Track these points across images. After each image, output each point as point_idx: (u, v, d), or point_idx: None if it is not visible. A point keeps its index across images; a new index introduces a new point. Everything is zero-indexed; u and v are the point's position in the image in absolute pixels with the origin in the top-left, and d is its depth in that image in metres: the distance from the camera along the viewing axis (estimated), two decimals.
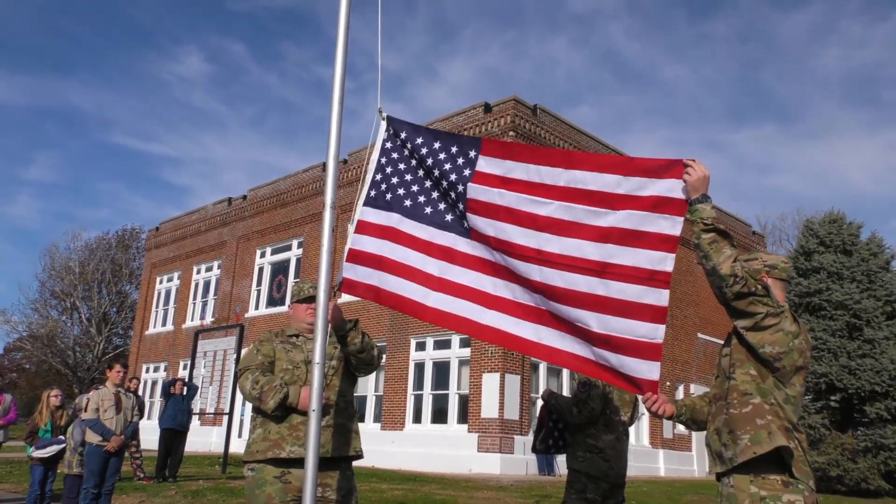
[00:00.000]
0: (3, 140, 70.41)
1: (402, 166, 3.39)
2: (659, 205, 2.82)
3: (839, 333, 17.95)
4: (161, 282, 30.02)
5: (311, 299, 3.54)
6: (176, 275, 29.17)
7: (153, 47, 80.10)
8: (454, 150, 3.28)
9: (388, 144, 3.42)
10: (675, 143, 73.51)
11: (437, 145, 3.33)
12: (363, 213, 3.40)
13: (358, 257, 3.35)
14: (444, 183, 3.26)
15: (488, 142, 3.24)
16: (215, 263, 27.08)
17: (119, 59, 78.46)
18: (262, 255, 24.91)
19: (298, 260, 23.31)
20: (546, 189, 3.03)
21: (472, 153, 3.23)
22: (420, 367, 18.45)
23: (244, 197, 26.55)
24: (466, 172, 3.21)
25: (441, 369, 18.03)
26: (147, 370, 28.56)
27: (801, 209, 59.55)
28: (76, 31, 77.23)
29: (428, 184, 3.35)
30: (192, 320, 27.13)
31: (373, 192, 3.41)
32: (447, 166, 3.27)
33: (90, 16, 76.66)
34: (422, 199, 3.34)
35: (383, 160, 3.41)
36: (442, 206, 3.30)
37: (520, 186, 3.09)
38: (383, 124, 3.43)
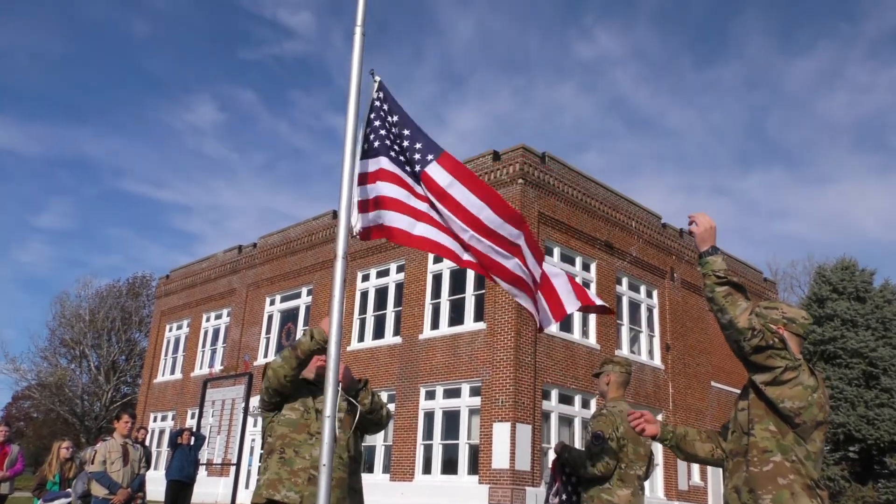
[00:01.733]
0: (17, 188, 71.47)
1: (386, 123, 3.84)
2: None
3: (856, 382, 17.67)
4: (170, 329, 30.00)
5: (321, 350, 3.51)
6: (185, 322, 29.16)
7: (166, 96, 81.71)
8: (418, 146, 3.72)
9: (377, 104, 3.85)
10: (683, 188, 73.78)
11: (406, 132, 3.76)
12: (361, 165, 3.75)
13: (364, 206, 3.75)
14: (405, 157, 3.79)
15: (447, 156, 3.67)
16: (224, 311, 27.08)
17: (133, 108, 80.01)
18: (272, 303, 24.90)
19: (308, 308, 23.28)
20: (468, 216, 3.58)
21: (430, 157, 3.67)
22: (430, 416, 18.23)
23: (254, 244, 26.69)
24: (417, 168, 3.69)
25: (451, 418, 17.79)
26: (155, 419, 28.33)
27: (811, 255, 59.34)
28: (92, 81, 78.97)
29: (401, 145, 3.82)
30: (200, 368, 27.01)
31: (366, 146, 3.79)
32: (408, 153, 3.76)
33: (106, 66, 78.47)
34: (397, 151, 3.82)
35: (372, 115, 3.83)
36: (408, 168, 3.80)
37: (450, 204, 3.61)
38: (375, 86, 3.84)
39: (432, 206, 3.71)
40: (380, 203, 3.72)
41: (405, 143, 3.75)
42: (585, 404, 18.16)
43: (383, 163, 3.76)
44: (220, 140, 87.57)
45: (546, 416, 17.24)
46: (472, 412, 17.28)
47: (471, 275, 18.22)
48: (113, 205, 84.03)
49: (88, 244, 79.00)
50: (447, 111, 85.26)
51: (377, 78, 3.85)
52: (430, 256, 19.25)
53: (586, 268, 19.27)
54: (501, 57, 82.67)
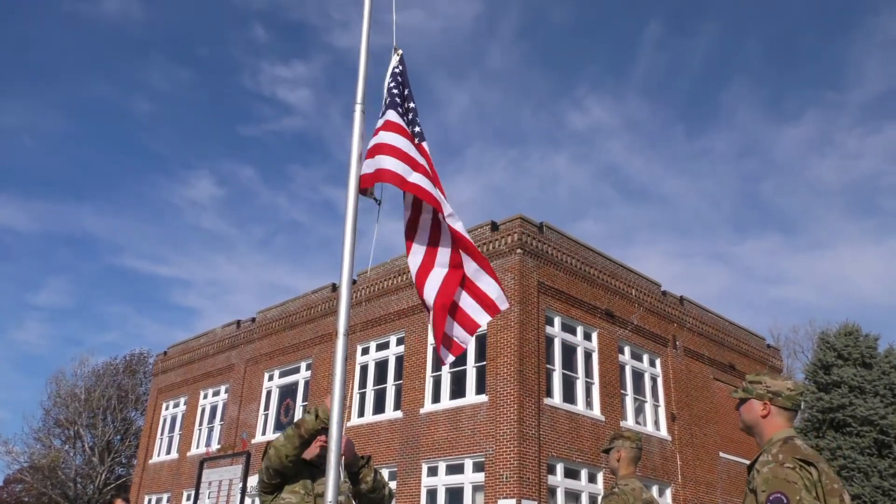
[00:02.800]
0: (15, 266, 71.60)
1: (400, 87, 4.27)
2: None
3: (868, 451, 17.28)
4: (167, 407, 29.48)
5: (322, 430, 3.40)
6: (182, 400, 28.69)
7: (166, 173, 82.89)
8: (419, 122, 4.27)
9: (396, 72, 4.30)
10: (680, 255, 74.08)
11: (413, 105, 4.29)
12: (389, 114, 4.12)
13: (370, 152, 3.93)
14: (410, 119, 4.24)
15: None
16: (222, 388, 26.68)
17: (133, 185, 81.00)
18: (270, 379, 24.57)
19: (307, 383, 22.96)
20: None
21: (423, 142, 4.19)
22: (432, 493, 17.71)
23: (253, 319, 26.53)
24: (416, 141, 4.13)
25: (454, 495, 17.28)
26: (149, 501, 27.51)
27: (813, 321, 59.04)
28: (92, 159, 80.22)
29: (407, 108, 4.27)
30: (197, 448, 26.41)
31: (388, 99, 4.21)
32: (413, 118, 4.26)
33: (107, 144, 79.86)
34: (405, 110, 4.21)
35: (389, 78, 4.29)
36: (412, 128, 4.23)
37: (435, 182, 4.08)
38: (396, 58, 4.33)
39: (428, 168, 4.05)
40: (380, 149, 3.90)
41: (410, 115, 4.22)
42: (592, 478, 17.68)
43: (389, 115, 4.08)
44: (219, 215, 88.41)
45: (552, 491, 16.76)
46: (476, 489, 16.81)
47: (471, 346, 18.03)
48: (111, 281, 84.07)
49: (86, 321, 78.63)
50: (444, 182, 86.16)
51: (400, 51, 4.36)
52: (430, 329, 19.11)
53: (588, 337, 19.11)
54: (496, 129, 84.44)
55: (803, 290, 68.83)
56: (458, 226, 3.91)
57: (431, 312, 3.77)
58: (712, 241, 76.77)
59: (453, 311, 3.84)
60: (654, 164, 79.27)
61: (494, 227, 18.55)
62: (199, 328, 67.48)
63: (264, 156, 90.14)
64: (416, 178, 3.86)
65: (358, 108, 3.91)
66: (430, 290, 3.78)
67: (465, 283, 3.88)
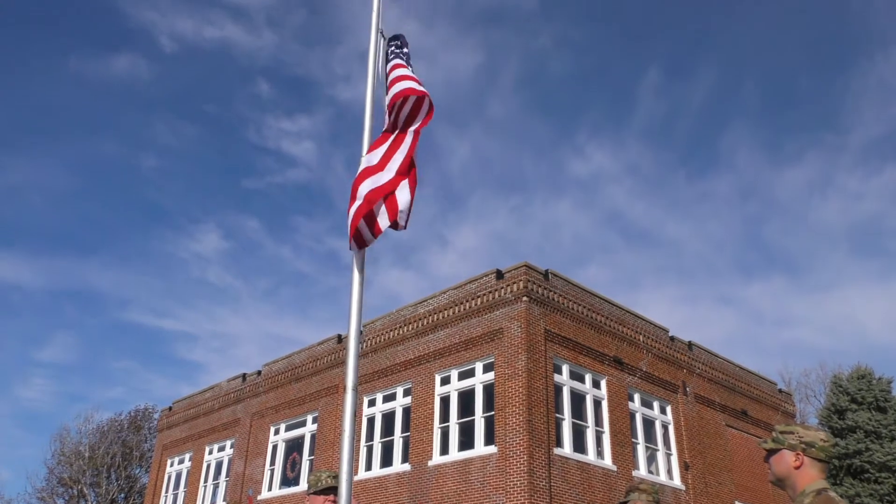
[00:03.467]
0: (21, 323, 71.59)
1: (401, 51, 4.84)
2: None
3: (887, 498, 16.89)
4: (172, 464, 29.06)
5: (330, 490, 3.33)
6: (187, 456, 28.30)
7: (172, 227, 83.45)
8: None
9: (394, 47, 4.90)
10: (686, 299, 73.72)
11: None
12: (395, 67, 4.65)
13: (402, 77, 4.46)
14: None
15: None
16: (228, 443, 26.34)
17: (139, 239, 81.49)
18: (276, 433, 24.26)
19: (313, 436, 22.66)
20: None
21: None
22: None
23: (258, 372, 26.35)
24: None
25: None
26: None
27: (823, 364, 58.38)
28: (99, 214, 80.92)
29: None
30: None
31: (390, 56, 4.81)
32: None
33: (113, 199, 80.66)
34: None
35: (391, 55, 4.81)
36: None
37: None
38: (383, 42, 4.89)
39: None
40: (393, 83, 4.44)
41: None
42: None
43: (394, 61, 4.69)
44: (224, 268, 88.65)
45: None
46: None
47: (480, 396, 17.83)
48: (117, 336, 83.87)
49: (91, 377, 78.19)
50: (448, 231, 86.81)
51: (401, 34, 5.05)
52: (438, 378, 18.94)
53: (596, 385, 18.89)
54: (498, 177, 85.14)
55: (812, 333, 68.25)
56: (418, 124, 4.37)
57: (357, 202, 4.00)
58: (718, 284, 76.52)
59: (373, 210, 4.09)
60: (657, 208, 79.58)
61: (499, 275, 18.53)
62: (205, 382, 67.05)
63: (269, 208, 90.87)
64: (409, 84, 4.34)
65: (364, 160, 3.94)
66: (367, 186, 4.07)
67: (388, 199, 4.17)
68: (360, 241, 3.98)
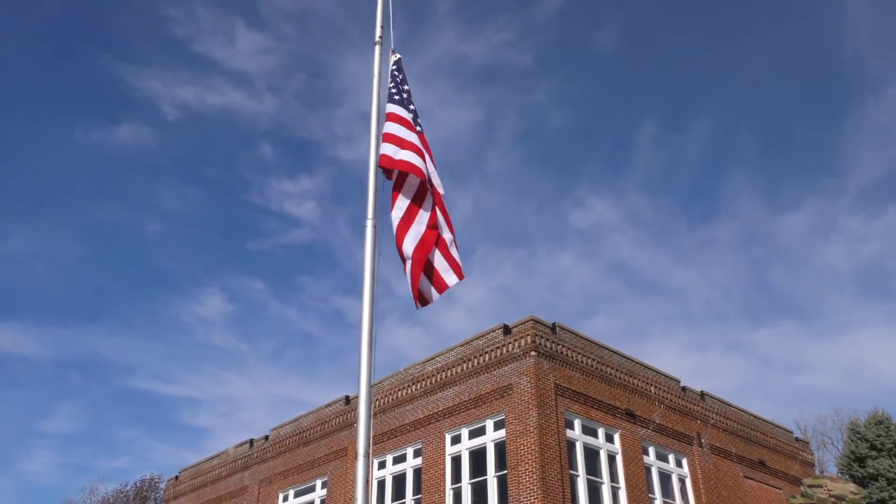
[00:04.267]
0: (23, 394, 71.06)
1: (399, 87, 5.38)
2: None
3: None
4: None
5: None
6: None
7: (177, 291, 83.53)
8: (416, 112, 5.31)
9: (394, 72, 5.46)
10: (695, 347, 73.02)
11: (413, 106, 5.30)
12: (388, 108, 5.20)
13: (384, 138, 4.84)
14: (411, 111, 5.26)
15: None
16: None
17: (144, 305, 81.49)
18: (285, 499, 23.76)
19: (323, 501, 22.17)
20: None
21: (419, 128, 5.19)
22: None
23: (266, 437, 25.97)
24: (417, 128, 5.06)
25: None
26: None
27: (839, 409, 57.35)
28: (103, 281, 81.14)
29: (408, 101, 5.38)
30: None
31: (393, 97, 5.34)
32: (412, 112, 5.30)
33: (118, 266, 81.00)
34: (406, 102, 5.30)
35: (389, 79, 5.44)
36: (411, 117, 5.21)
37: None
38: (393, 58, 5.62)
39: (424, 150, 4.97)
40: (384, 138, 4.86)
41: (411, 109, 5.23)
42: None
43: (390, 108, 5.13)
44: (229, 331, 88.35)
45: None
46: None
47: (491, 454, 17.50)
48: (122, 404, 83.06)
49: (96, 447, 77.11)
50: (452, 287, 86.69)
51: (398, 55, 5.67)
52: (448, 437, 18.63)
53: (610, 439, 18.55)
54: (501, 231, 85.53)
55: (825, 378, 67.34)
56: (440, 189, 4.74)
57: (409, 262, 4.38)
58: (727, 331, 75.90)
59: (428, 268, 4.54)
60: (661, 256, 79.57)
61: (507, 330, 18.42)
62: (211, 448, 65.99)
63: (273, 269, 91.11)
64: (405, 154, 4.67)
65: (369, 223, 3.97)
66: (409, 244, 4.41)
67: (439, 244, 4.58)
68: (422, 300, 4.50)
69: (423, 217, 4.44)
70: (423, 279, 4.43)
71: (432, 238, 4.39)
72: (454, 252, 4.53)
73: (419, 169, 4.50)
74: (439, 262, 4.47)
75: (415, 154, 4.62)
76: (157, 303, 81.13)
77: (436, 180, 4.64)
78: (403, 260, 4.34)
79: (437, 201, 4.52)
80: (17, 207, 72.98)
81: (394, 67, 5.47)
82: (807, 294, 74.29)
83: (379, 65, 4.96)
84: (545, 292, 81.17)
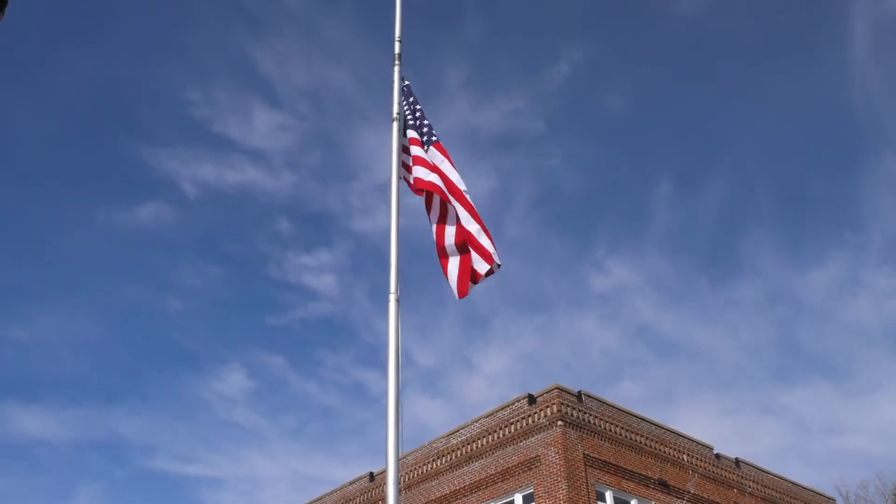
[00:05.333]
0: (46, 479, 70.37)
1: (413, 109, 6.27)
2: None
3: None
4: None
5: None
6: None
7: (197, 369, 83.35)
8: (426, 129, 6.23)
9: (406, 95, 6.49)
10: (727, 411, 71.12)
11: (426, 121, 6.34)
12: (409, 133, 6.24)
13: (413, 160, 5.83)
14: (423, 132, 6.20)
15: (439, 144, 6.13)
16: None
17: (164, 384, 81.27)
18: None
19: None
20: (451, 185, 5.69)
21: (434, 138, 6.10)
22: None
23: None
24: (425, 139, 6.10)
25: None
26: None
27: (881, 474, 55.02)
28: (124, 361, 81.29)
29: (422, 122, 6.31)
30: None
31: (403, 123, 6.40)
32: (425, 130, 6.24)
33: (139, 345, 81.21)
34: (418, 126, 6.20)
35: (404, 104, 6.44)
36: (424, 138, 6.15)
37: (440, 174, 5.87)
38: (403, 83, 6.71)
39: (444, 157, 5.75)
40: (411, 161, 5.79)
41: (425, 128, 6.06)
42: None
43: (410, 133, 6.00)
44: (250, 407, 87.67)
45: None
46: None
47: None
48: (143, 486, 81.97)
49: None
50: (474, 355, 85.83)
51: (406, 82, 6.61)
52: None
53: None
54: (520, 297, 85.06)
55: (864, 439, 65.07)
56: (461, 186, 5.52)
57: (448, 261, 5.20)
58: (758, 393, 74.02)
59: (464, 264, 5.22)
60: (684, 318, 78.57)
61: (532, 400, 18.08)
62: None
63: (293, 344, 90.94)
64: (434, 177, 5.53)
65: (392, 297, 3.95)
66: (444, 248, 5.24)
67: (469, 240, 5.24)
68: (461, 291, 5.12)
69: (450, 230, 5.23)
70: (461, 275, 5.10)
71: (461, 238, 5.16)
72: (483, 241, 5.01)
73: (442, 191, 5.30)
74: (473, 256, 5.11)
75: (436, 175, 5.46)
76: (178, 381, 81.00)
77: (455, 177, 5.41)
78: (442, 258, 5.19)
79: (461, 200, 5.18)
80: (42, 290, 74.08)
81: (406, 93, 6.36)
82: (837, 352, 72.64)
83: (397, 140, 5.03)
84: (568, 358, 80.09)
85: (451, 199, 5.27)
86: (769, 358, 76.83)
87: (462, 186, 5.29)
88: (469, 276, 5.08)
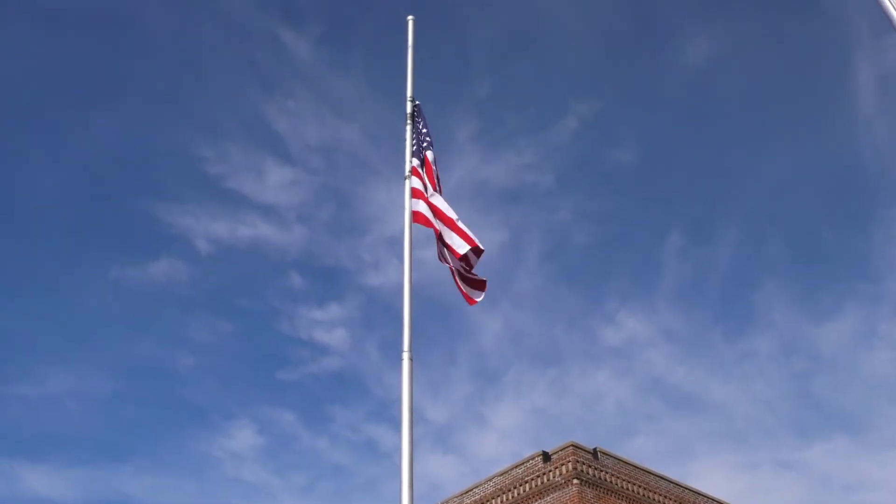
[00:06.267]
0: None
1: (419, 137, 7.01)
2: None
3: None
4: None
5: None
6: None
7: (206, 425, 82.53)
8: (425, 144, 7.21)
9: (417, 120, 7.21)
10: (744, 466, 69.44)
11: (428, 140, 7.15)
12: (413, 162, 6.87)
13: (413, 193, 6.49)
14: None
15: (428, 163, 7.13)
16: None
17: (173, 441, 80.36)
18: None
19: None
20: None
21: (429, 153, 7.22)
22: None
23: None
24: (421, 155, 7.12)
25: None
26: None
27: None
28: (133, 418, 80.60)
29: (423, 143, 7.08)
30: None
31: (414, 148, 7.04)
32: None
33: (149, 402, 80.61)
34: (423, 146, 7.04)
35: (413, 139, 7.19)
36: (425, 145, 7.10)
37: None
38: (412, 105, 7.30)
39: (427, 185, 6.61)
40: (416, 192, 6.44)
41: (428, 139, 6.98)
42: None
43: (414, 161, 6.74)
44: (260, 464, 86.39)
45: None
46: None
47: None
48: None
49: None
50: (486, 409, 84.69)
51: (417, 102, 7.18)
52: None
53: None
54: (532, 350, 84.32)
55: (888, 495, 63.17)
56: (461, 224, 6.22)
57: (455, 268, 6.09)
58: (776, 448, 72.33)
59: (457, 274, 6.10)
60: (699, 371, 77.47)
61: (546, 457, 17.76)
62: None
63: (304, 399, 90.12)
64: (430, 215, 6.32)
65: (405, 356, 3.96)
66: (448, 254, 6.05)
67: (454, 228, 6.00)
68: (469, 299, 6.05)
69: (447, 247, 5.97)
70: (469, 289, 5.97)
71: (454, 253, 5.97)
72: (463, 226, 5.79)
73: (437, 230, 5.97)
74: (456, 240, 5.92)
75: (428, 207, 6.20)
76: (187, 438, 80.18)
77: (451, 213, 6.22)
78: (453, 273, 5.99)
79: (458, 233, 5.98)
80: (54, 347, 74.18)
81: (417, 120, 7.17)
82: (856, 405, 71.18)
83: (409, 199, 5.10)
84: (581, 412, 78.89)
85: (435, 222, 6.02)
86: (786, 412, 75.36)
87: (452, 214, 6.09)
88: (472, 284, 5.87)
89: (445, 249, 5.79)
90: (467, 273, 5.83)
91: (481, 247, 5.79)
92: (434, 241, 6.06)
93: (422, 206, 6.21)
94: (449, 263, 5.79)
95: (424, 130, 6.98)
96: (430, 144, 6.88)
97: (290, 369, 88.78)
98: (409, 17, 8.20)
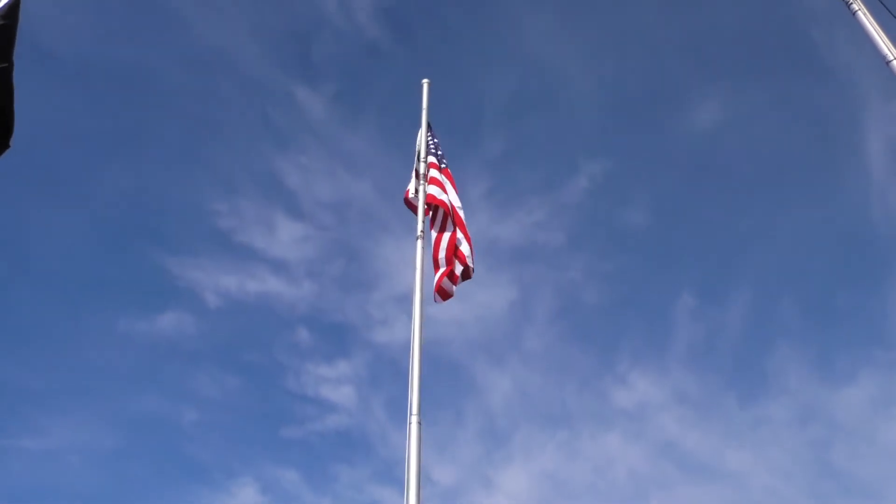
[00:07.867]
0: None
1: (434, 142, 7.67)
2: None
3: None
4: None
5: None
6: None
7: (208, 483, 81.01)
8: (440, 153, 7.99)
9: (427, 132, 7.85)
10: None
11: (440, 152, 7.81)
12: (429, 159, 7.64)
13: (429, 180, 7.33)
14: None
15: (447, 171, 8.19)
16: None
17: (173, 499, 79.08)
18: None
19: None
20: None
21: (444, 164, 7.95)
22: None
23: None
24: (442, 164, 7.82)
25: None
26: None
27: None
28: (136, 473, 79.38)
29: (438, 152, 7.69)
30: None
31: (423, 150, 7.80)
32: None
33: (151, 457, 79.51)
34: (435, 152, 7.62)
35: (426, 135, 7.96)
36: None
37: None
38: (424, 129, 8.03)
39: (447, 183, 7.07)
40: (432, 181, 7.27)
41: (440, 151, 7.47)
42: None
43: (430, 158, 7.23)
44: None
45: None
46: None
47: None
48: None
49: None
50: (494, 472, 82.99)
51: (427, 121, 7.93)
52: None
53: None
54: (541, 411, 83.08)
55: None
56: (460, 212, 6.94)
57: (439, 270, 6.33)
58: None
59: (451, 274, 6.44)
60: (712, 436, 75.83)
61: None
62: None
63: (308, 457, 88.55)
64: (445, 198, 6.97)
65: (414, 419, 3.92)
66: (440, 258, 6.35)
67: (458, 255, 6.44)
68: (444, 295, 6.14)
69: (445, 238, 6.52)
70: (447, 281, 6.22)
71: (452, 251, 6.41)
72: (464, 249, 6.49)
73: (446, 204, 6.67)
74: (458, 267, 6.44)
75: (441, 190, 6.83)
76: (188, 495, 78.78)
77: (457, 203, 6.83)
78: (437, 267, 6.29)
79: (458, 221, 6.61)
80: (58, 400, 73.83)
81: (428, 135, 7.82)
82: (874, 475, 69.28)
83: (421, 259, 5.13)
84: (592, 477, 77.13)
85: (451, 215, 6.65)
86: (803, 481, 73.22)
87: (461, 213, 6.75)
88: (454, 283, 6.34)
89: (453, 247, 6.48)
90: (455, 279, 6.33)
91: (472, 272, 6.49)
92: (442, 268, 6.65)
93: (434, 190, 6.91)
94: (442, 253, 6.38)
95: (436, 143, 7.97)
96: (444, 156, 7.73)
97: (294, 426, 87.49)
98: (424, 81, 8.38)
